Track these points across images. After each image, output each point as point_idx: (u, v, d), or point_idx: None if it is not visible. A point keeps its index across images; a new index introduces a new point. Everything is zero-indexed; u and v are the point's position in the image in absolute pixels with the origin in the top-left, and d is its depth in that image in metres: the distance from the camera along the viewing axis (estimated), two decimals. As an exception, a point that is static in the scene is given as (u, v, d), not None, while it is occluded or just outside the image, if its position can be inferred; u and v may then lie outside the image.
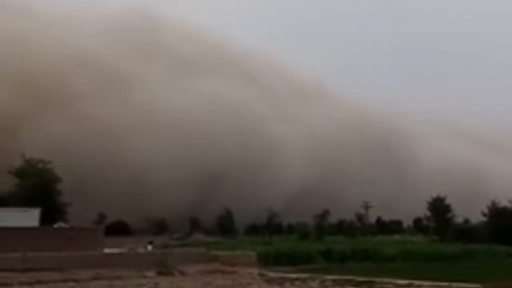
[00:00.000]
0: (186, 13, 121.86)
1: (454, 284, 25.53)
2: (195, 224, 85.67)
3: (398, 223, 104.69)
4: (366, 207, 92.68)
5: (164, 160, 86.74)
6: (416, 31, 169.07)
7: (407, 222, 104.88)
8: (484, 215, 73.20)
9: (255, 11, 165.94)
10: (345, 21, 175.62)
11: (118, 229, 65.64)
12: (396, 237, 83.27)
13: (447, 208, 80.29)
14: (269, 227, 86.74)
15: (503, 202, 71.08)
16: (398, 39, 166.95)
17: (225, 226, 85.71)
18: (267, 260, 38.67)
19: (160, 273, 31.64)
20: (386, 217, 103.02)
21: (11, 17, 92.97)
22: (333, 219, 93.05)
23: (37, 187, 53.66)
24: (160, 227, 79.12)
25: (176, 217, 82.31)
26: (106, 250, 35.81)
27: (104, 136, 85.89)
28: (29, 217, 37.78)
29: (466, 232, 69.80)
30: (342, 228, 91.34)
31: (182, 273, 31.85)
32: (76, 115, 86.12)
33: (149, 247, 40.75)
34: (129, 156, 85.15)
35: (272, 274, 31.58)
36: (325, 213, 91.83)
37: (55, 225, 42.79)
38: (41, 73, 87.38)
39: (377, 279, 27.68)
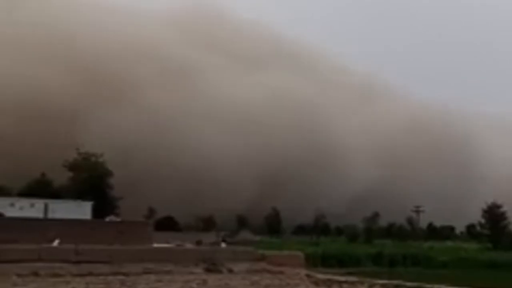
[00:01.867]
0: (252, 6, 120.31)
1: (509, 294, 24.61)
2: (242, 223, 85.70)
3: (451, 229, 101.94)
4: (418, 211, 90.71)
5: (222, 156, 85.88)
6: (488, 29, 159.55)
7: (460, 229, 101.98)
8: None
9: (319, 7, 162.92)
10: (411, 17, 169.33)
11: (166, 225, 66.40)
12: (448, 243, 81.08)
13: (502, 215, 77.91)
14: (316, 228, 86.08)
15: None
16: (467, 36, 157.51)
17: (272, 225, 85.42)
18: (315, 261, 38.22)
19: (208, 270, 31.65)
20: (437, 223, 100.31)
21: (75, 8, 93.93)
22: (383, 222, 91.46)
23: (90, 181, 54.81)
24: (207, 224, 79.57)
25: (226, 215, 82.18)
26: (155, 245, 36.08)
27: (161, 130, 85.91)
28: (82, 210, 38.61)
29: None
30: (391, 231, 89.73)
31: (230, 271, 31.78)
32: (135, 109, 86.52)
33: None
34: (185, 151, 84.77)
35: (320, 276, 31.12)
36: (375, 216, 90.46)
37: (107, 219, 43.45)
38: (102, 65, 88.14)
39: (428, 286, 26.87)
